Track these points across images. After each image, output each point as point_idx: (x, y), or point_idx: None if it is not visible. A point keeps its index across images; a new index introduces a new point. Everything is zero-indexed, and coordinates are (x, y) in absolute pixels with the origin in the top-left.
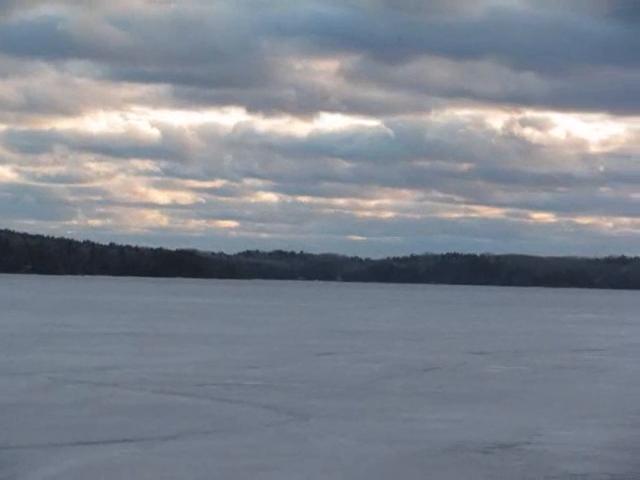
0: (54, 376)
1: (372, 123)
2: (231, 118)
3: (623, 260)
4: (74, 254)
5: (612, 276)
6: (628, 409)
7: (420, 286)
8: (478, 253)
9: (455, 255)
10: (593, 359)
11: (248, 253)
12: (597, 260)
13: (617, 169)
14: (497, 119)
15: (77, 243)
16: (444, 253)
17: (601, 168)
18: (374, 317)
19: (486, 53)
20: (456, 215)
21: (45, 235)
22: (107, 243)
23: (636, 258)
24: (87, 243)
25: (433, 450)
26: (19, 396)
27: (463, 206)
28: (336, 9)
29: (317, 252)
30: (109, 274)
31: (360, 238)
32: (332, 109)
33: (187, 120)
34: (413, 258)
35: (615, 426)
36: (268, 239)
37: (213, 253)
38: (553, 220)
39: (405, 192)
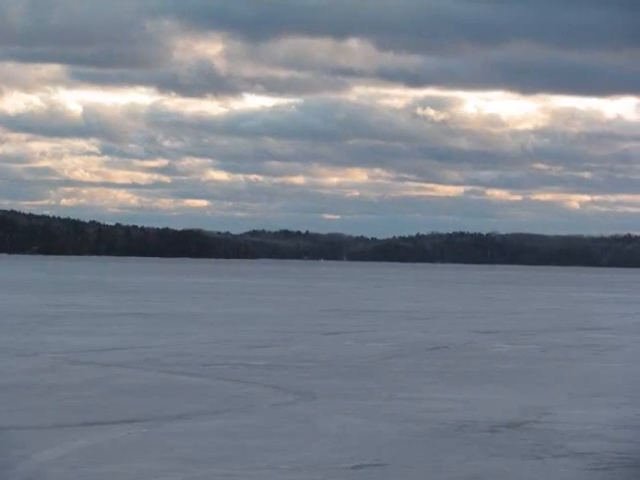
0: (60, 357)
1: (288, 101)
2: (144, 97)
3: (628, 238)
4: (80, 234)
5: (618, 254)
6: (636, 388)
7: (426, 265)
8: (457, 230)
9: (461, 234)
10: (600, 338)
11: (254, 233)
12: (603, 238)
13: (548, 146)
14: (404, 99)
15: (83, 224)
16: (450, 232)
17: (529, 146)
18: (380, 296)
19: (356, 33)
20: (420, 193)
21: (51, 215)
22: (113, 223)
23: None
24: (93, 223)
25: (440, 429)
26: (25, 377)
27: (418, 184)
28: None
29: (323, 232)
30: (115, 254)
31: (335, 217)
32: (243, 88)
33: (105, 99)
34: (419, 237)
35: (623, 405)
36: (246, 218)
37: (219, 233)
38: (517, 198)
39: (352, 171)
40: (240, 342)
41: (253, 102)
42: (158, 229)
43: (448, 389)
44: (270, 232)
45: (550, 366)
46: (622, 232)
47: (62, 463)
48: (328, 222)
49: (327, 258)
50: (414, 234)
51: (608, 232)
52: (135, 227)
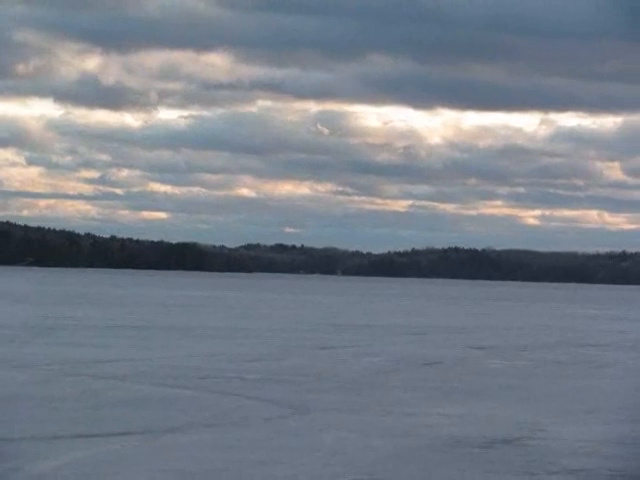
0: (55, 368)
1: (191, 113)
2: (49, 109)
3: (624, 255)
4: (76, 247)
5: (613, 271)
6: (628, 404)
7: (421, 280)
8: (448, 246)
9: (456, 250)
10: (594, 354)
11: (249, 246)
12: (598, 255)
13: (467, 161)
14: (304, 112)
15: (78, 236)
16: (445, 247)
17: (448, 160)
18: (375, 311)
19: (213, 47)
20: (371, 207)
21: (46, 227)
22: (108, 236)
23: (637, 253)
24: (88, 236)
25: (434, 444)
26: (20, 388)
27: (360, 198)
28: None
29: (319, 246)
30: (110, 267)
31: (297, 230)
32: (143, 101)
33: (10, 110)
34: (414, 252)
35: (615, 421)
36: (210, 230)
37: (214, 246)
38: (470, 212)
39: (287, 184)
40: (235, 355)
41: (161, 114)
42: (153, 242)
43: (443, 404)
44: (265, 246)
45: (544, 382)
46: (617, 249)
47: (57, 475)
48: (290, 235)
49: (322, 272)
50: (409, 249)
51: (603, 249)
52: (130, 239)
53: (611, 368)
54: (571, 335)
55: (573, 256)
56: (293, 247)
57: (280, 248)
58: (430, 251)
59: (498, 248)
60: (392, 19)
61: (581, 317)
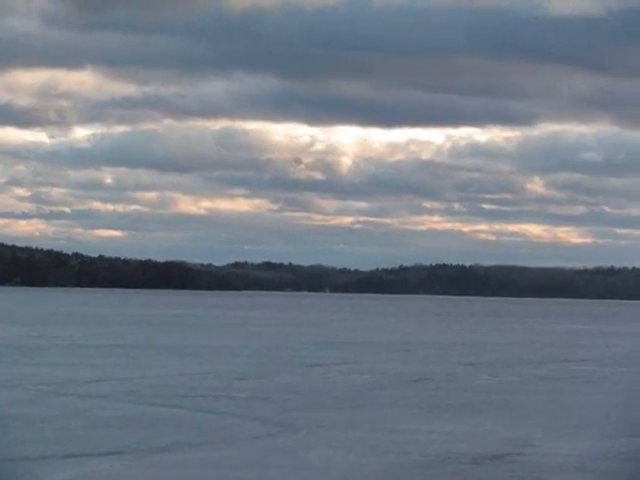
0: (43, 388)
1: (96, 132)
2: None
3: (611, 271)
4: (63, 266)
5: (600, 286)
6: (615, 419)
7: (409, 297)
8: (440, 262)
9: (444, 266)
10: (581, 370)
11: (237, 264)
12: (585, 271)
13: (387, 175)
14: (208, 130)
15: (66, 255)
16: (433, 264)
17: (371, 175)
18: (363, 328)
19: (84, 65)
20: (318, 223)
21: (34, 247)
22: (96, 255)
23: (624, 269)
24: (76, 255)
25: (423, 461)
26: (7, 409)
27: (299, 214)
28: None
29: (306, 263)
30: (98, 286)
31: (257, 247)
32: (43, 119)
33: None
34: (402, 269)
35: (603, 436)
36: (171, 248)
37: (202, 265)
38: (420, 228)
39: (227, 202)
40: (223, 374)
41: (67, 132)
42: (140, 261)
43: (431, 421)
44: (253, 264)
45: (532, 398)
46: (605, 264)
47: None
48: (251, 253)
49: (310, 290)
50: (397, 266)
51: (590, 264)
52: (118, 259)
53: (599, 383)
54: (558, 351)
55: (561, 272)
56: (281, 265)
57: (267, 266)
58: (418, 268)
59: (481, 264)
60: (249, 37)
61: (568, 332)
